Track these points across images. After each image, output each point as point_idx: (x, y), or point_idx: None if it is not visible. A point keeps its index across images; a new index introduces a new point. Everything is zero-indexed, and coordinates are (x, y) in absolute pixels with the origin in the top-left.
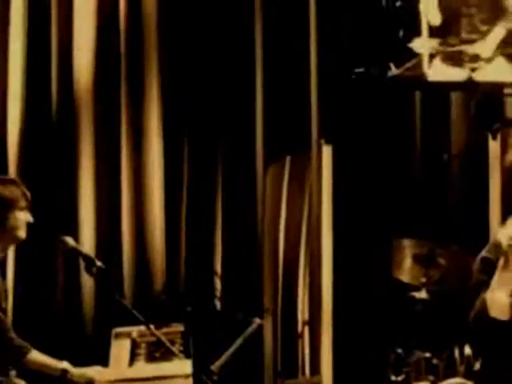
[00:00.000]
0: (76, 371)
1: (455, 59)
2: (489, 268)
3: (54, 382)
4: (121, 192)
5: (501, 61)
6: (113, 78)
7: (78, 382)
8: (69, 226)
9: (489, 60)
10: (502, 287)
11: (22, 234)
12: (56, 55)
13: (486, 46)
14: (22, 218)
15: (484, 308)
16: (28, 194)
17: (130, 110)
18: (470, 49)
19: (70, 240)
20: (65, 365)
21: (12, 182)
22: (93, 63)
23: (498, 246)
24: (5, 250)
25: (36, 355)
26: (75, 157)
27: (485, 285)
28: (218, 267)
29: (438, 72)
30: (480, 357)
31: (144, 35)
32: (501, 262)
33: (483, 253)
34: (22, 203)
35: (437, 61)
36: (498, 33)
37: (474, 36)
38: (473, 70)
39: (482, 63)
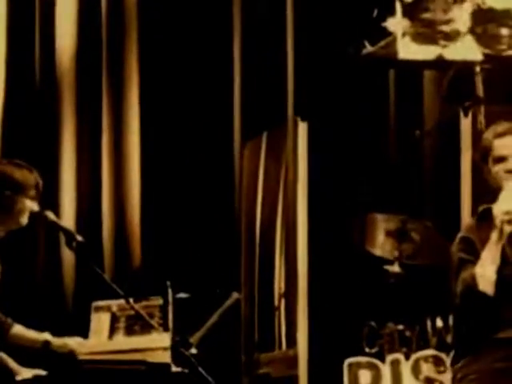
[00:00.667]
0: (57, 342)
1: (427, 38)
2: (468, 247)
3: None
4: (101, 169)
5: (470, 39)
6: (94, 61)
7: (59, 352)
8: (50, 201)
9: (459, 39)
10: (491, 262)
11: (24, 220)
12: (39, 38)
13: (456, 25)
14: (29, 205)
15: (473, 282)
16: (41, 184)
17: (110, 91)
18: (442, 28)
19: (50, 214)
20: (46, 336)
21: (27, 168)
22: (74, 47)
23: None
24: (4, 233)
25: (18, 329)
26: (57, 135)
27: (465, 263)
28: (196, 241)
29: (409, 50)
30: (462, 329)
31: (125, 20)
32: (493, 237)
33: (462, 232)
34: (33, 192)
35: (408, 39)
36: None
37: (445, 15)
38: (444, 48)
39: (452, 42)
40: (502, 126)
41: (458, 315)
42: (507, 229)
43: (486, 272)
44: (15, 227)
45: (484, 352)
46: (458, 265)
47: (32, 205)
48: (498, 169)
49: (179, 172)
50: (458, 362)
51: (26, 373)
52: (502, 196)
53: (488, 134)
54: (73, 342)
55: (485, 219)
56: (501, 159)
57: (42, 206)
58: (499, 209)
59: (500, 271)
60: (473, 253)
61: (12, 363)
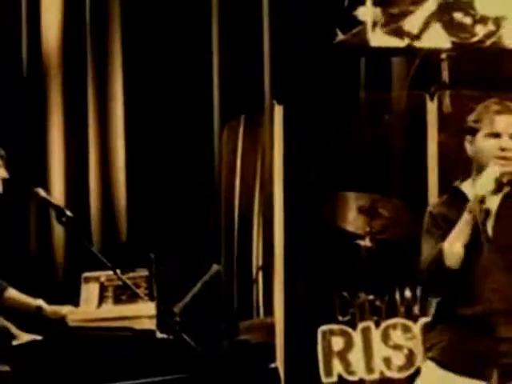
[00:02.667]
0: (50, 308)
1: (396, 27)
2: (436, 221)
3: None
4: (88, 147)
5: (438, 28)
6: (79, 37)
7: (52, 318)
8: (40, 179)
9: (427, 27)
10: (459, 239)
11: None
12: (25, 15)
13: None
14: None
15: (440, 257)
16: (2, 152)
17: (96, 68)
18: (410, 17)
19: (41, 191)
20: (39, 302)
21: None
22: (60, 23)
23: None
24: None
25: (12, 292)
26: (45, 113)
27: (432, 237)
28: (178, 216)
29: (380, 39)
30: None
31: (108, 9)
32: (466, 216)
33: (432, 207)
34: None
35: (379, 28)
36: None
37: (413, 5)
38: (411, 37)
39: (419, 31)
40: (499, 105)
41: (424, 287)
42: (481, 213)
43: (453, 248)
44: None
45: (450, 325)
46: (425, 238)
47: (1, 172)
48: (489, 144)
49: (163, 151)
50: (429, 331)
51: (24, 337)
52: (479, 181)
53: (483, 109)
54: (64, 310)
55: (456, 196)
56: (496, 135)
57: (33, 184)
58: (475, 192)
59: (469, 250)
60: (440, 227)
61: (11, 327)
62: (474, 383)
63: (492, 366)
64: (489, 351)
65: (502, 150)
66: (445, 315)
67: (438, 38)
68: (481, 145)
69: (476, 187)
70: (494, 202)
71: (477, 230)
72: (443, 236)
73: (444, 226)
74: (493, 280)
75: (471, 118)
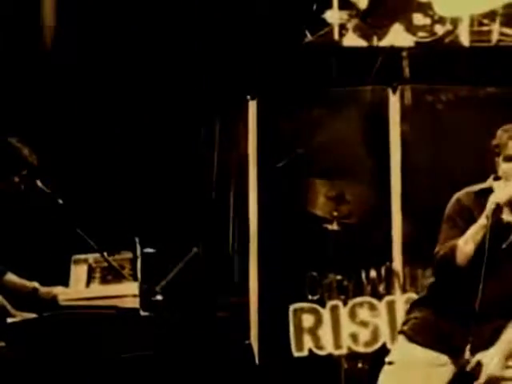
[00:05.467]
0: (43, 289)
1: (361, 28)
2: (461, 212)
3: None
4: (77, 140)
5: (399, 28)
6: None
7: (45, 298)
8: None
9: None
10: (473, 240)
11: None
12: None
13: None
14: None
15: (453, 253)
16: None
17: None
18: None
19: (38, 182)
20: (35, 284)
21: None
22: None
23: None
24: None
25: (10, 276)
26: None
27: (455, 224)
28: (161, 203)
29: (351, 39)
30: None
31: None
32: (481, 220)
33: (460, 195)
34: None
35: (350, 31)
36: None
37: (377, 8)
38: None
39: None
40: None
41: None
42: (493, 217)
43: (466, 248)
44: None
45: (431, 308)
46: (447, 223)
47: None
48: (506, 167)
49: (148, 144)
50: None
51: (19, 315)
52: (497, 188)
53: (502, 133)
54: (56, 290)
55: (486, 191)
56: (510, 158)
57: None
58: (493, 197)
59: (479, 251)
60: (464, 220)
61: (8, 306)
62: (438, 356)
63: (459, 344)
64: (458, 334)
65: None
66: (431, 300)
67: (399, 37)
68: (501, 167)
69: (492, 195)
70: None
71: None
72: (464, 229)
73: (467, 220)
74: (488, 285)
75: (494, 142)
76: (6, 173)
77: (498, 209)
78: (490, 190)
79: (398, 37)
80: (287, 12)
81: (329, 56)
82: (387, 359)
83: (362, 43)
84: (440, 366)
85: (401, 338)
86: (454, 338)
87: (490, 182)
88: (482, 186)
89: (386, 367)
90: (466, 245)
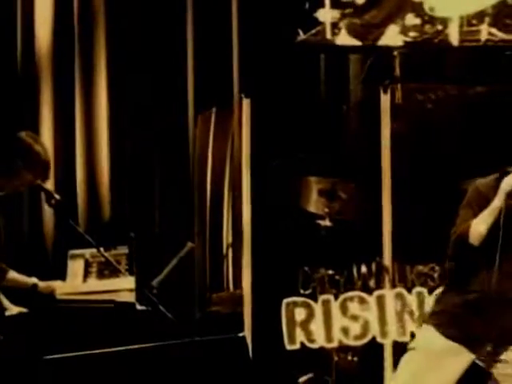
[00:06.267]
0: (42, 284)
1: (355, 27)
2: (478, 198)
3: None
4: (75, 137)
5: (392, 28)
6: (68, 43)
7: (44, 293)
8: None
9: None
10: (485, 222)
11: (24, 189)
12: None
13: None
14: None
15: (466, 233)
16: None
17: (82, 65)
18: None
19: None
20: (34, 280)
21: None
22: (51, 32)
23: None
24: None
25: (12, 274)
26: (37, 107)
27: (471, 208)
28: (157, 199)
29: (344, 38)
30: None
31: (94, 9)
32: (495, 202)
33: (478, 183)
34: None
35: (343, 30)
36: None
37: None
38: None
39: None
40: None
41: (449, 252)
42: (506, 201)
43: (478, 228)
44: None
45: (456, 296)
46: (465, 208)
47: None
48: None
49: (143, 141)
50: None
51: (14, 309)
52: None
53: None
54: (54, 284)
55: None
56: None
57: (47, 177)
58: (506, 180)
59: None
60: (479, 205)
61: (4, 300)
62: (458, 347)
63: (480, 334)
64: (479, 323)
65: None
66: (454, 288)
67: (391, 37)
68: None
69: (505, 180)
70: None
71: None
72: (476, 211)
73: (484, 206)
74: (504, 268)
75: None
76: (19, 169)
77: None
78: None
79: (389, 36)
80: (280, 11)
81: (321, 54)
82: (410, 345)
83: (356, 42)
84: (459, 355)
85: (425, 326)
86: (475, 328)
87: (508, 170)
88: (502, 171)
89: (407, 352)
90: (478, 225)
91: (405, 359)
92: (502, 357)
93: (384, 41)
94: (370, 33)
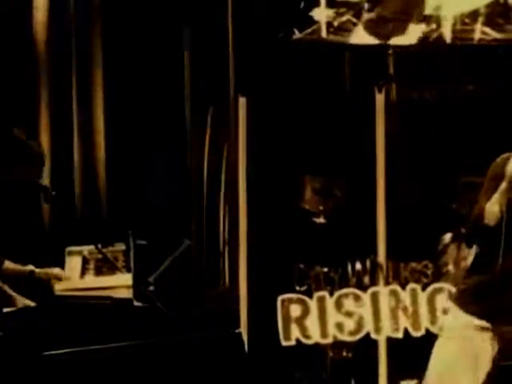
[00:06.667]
0: (41, 270)
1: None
2: (497, 176)
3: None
4: (72, 134)
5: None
6: (64, 34)
7: (42, 278)
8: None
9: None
10: (497, 203)
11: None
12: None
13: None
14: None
15: (481, 213)
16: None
17: (78, 63)
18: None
19: None
20: (30, 267)
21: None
22: (47, 21)
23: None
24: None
25: (8, 264)
26: (35, 103)
27: (490, 188)
28: (153, 198)
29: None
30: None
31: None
32: (503, 185)
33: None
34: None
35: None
36: None
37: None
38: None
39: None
40: None
41: (467, 235)
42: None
43: (492, 208)
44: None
45: (478, 275)
46: (485, 188)
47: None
48: None
49: (140, 139)
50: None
51: (22, 300)
52: None
53: None
54: (55, 271)
55: None
56: None
57: (42, 173)
58: (510, 167)
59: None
60: (496, 183)
61: (10, 291)
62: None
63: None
64: (503, 305)
65: None
66: (477, 267)
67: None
68: None
69: (508, 166)
70: None
71: None
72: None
73: (499, 184)
74: None
75: None
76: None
77: None
78: None
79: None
80: (276, 10)
81: (316, 53)
82: (440, 330)
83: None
84: (482, 332)
85: (450, 307)
86: (496, 304)
87: None
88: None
89: (438, 340)
90: (491, 206)
91: (435, 348)
92: None
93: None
94: (385, 28)
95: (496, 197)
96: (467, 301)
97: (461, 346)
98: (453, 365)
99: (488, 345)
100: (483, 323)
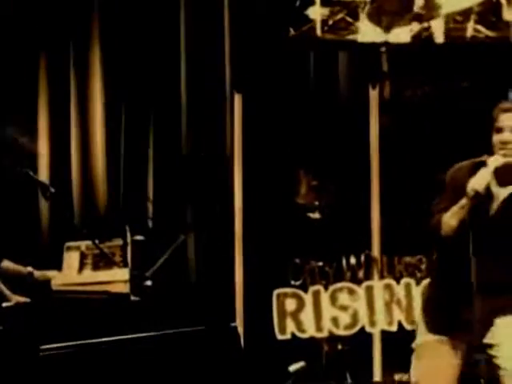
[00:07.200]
0: (38, 272)
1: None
2: (455, 185)
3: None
4: (70, 131)
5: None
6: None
7: (40, 280)
8: (30, 161)
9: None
10: (455, 216)
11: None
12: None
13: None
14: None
15: (438, 225)
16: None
17: (77, 60)
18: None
19: (30, 172)
20: (29, 268)
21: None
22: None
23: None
24: None
25: (6, 263)
26: (35, 103)
27: (447, 197)
28: (151, 193)
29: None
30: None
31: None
32: (463, 200)
33: (456, 168)
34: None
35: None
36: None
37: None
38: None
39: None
40: (507, 103)
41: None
42: (472, 201)
43: (449, 222)
44: None
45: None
46: (444, 196)
47: None
48: (495, 138)
49: (137, 135)
50: None
51: (15, 298)
52: (478, 173)
53: (496, 108)
54: (50, 273)
55: (480, 166)
56: (499, 130)
57: (23, 166)
58: (471, 183)
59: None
60: (455, 193)
61: (5, 289)
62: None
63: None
64: (468, 316)
65: (503, 143)
66: (438, 279)
67: (377, 34)
68: (492, 139)
69: (471, 181)
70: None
71: (477, 211)
72: (454, 203)
73: (459, 193)
74: (483, 258)
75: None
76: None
77: (477, 195)
78: (483, 164)
79: (376, 34)
80: (272, 8)
81: (310, 51)
82: (413, 345)
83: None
84: (452, 347)
85: (419, 323)
86: (461, 316)
87: (485, 157)
88: (476, 160)
89: (413, 353)
90: (450, 219)
91: (412, 360)
92: (486, 340)
93: (370, 37)
94: (385, 18)
95: (455, 210)
96: (432, 318)
97: (432, 362)
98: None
99: (456, 357)
100: (441, 337)
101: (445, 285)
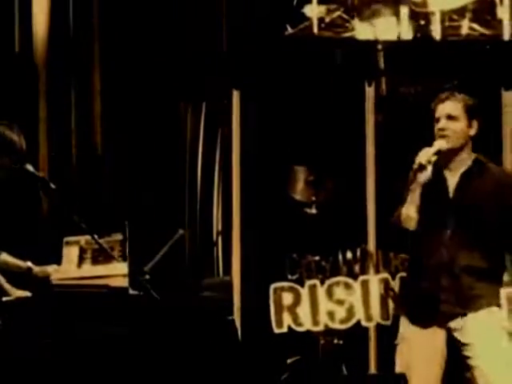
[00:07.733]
0: (37, 268)
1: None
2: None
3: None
4: (71, 126)
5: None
6: (63, 36)
7: (39, 276)
8: (30, 157)
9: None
10: (412, 205)
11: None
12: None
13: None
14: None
15: (399, 219)
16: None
17: (78, 59)
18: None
19: (30, 167)
20: (29, 264)
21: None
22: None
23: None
24: None
25: (5, 257)
26: (35, 97)
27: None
28: (149, 187)
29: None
30: None
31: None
32: (412, 186)
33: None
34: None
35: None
36: None
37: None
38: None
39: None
40: (443, 94)
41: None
42: (419, 177)
43: (408, 213)
44: None
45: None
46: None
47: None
48: (435, 128)
49: (135, 132)
50: None
51: (17, 292)
52: (422, 150)
53: (435, 100)
54: (50, 269)
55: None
56: (437, 120)
57: (23, 161)
58: (416, 159)
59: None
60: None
61: (5, 284)
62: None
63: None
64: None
65: (441, 129)
66: (412, 269)
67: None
68: (434, 129)
69: (417, 156)
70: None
71: (435, 195)
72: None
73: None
74: (444, 238)
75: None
76: None
77: (421, 168)
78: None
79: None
80: (269, 7)
81: (308, 48)
82: (396, 341)
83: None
84: (433, 334)
85: (401, 316)
86: (439, 303)
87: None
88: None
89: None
90: (406, 210)
91: (396, 354)
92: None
93: (367, 34)
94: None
95: (408, 201)
96: (411, 310)
97: (416, 352)
98: (410, 365)
99: (439, 344)
100: (423, 326)
101: (417, 272)
